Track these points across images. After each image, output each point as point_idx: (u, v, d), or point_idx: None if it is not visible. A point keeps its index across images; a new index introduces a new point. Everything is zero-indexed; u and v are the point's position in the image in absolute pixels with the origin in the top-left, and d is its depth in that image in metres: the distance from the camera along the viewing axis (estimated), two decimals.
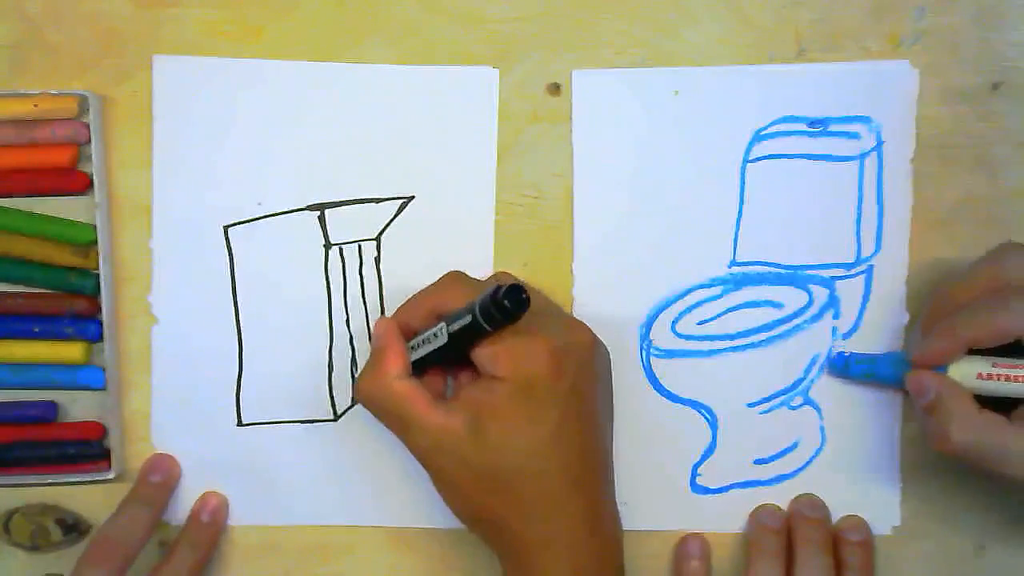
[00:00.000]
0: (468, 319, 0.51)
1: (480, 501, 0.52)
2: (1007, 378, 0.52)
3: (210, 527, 0.59)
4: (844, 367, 0.58)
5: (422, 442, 0.52)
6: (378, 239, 0.59)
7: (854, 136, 0.58)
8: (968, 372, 0.52)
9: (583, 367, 0.53)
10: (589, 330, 0.55)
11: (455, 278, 0.56)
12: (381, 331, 0.54)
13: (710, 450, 0.59)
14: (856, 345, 0.58)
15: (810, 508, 0.58)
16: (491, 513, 0.52)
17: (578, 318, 0.57)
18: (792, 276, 0.58)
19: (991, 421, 0.51)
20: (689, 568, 0.59)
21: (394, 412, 0.53)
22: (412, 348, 0.54)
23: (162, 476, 0.59)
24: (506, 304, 0.49)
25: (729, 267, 0.58)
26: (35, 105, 0.57)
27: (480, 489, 0.52)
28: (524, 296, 0.50)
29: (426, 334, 0.54)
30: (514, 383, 0.51)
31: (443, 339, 0.52)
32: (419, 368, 0.54)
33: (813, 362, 0.59)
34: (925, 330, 0.54)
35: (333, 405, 0.59)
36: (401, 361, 0.53)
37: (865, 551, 0.58)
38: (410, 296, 0.56)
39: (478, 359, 0.52)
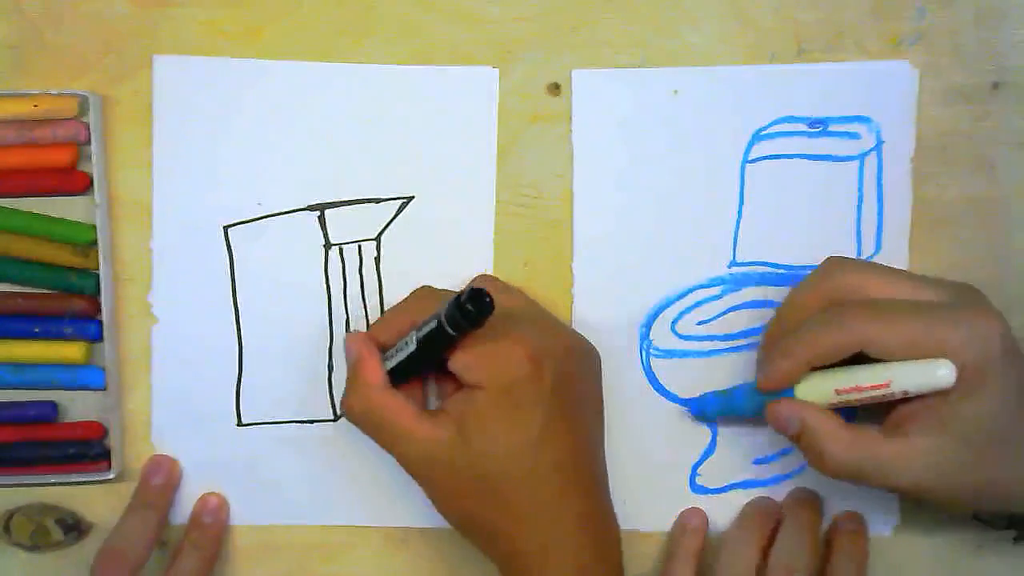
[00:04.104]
0: (434, 324, 0.51)
1: (473, 510, 0.52)
2: (857, 388, 0.51)
3: (212, 527, 0.59)
4: (701, 410, 0.57)
5: (411, 454, 0.52)
6: (378, 239, 0.59)
7: (854, 136, 0.58)
8: (820, 389, 0.52)
9: (562, 368, 0.53)
10: (572, 332, 0.55)
11: (426, 293, 0.56)
12: (353, 345, 0.55)
13: (710, 450, 0.59)
14: None
15: (801, 493, 0.58)
16: (485, 521, 0.52)
17: (568, 320, 0.58)
18: (792, 276, 0.58)
19: (861, 436, 0.50)
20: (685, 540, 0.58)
21: (381, 425, 0.53)
22: (386, 359, 0.54)
23: (163, 478, 0.59)
24: (469, 308, 0.49)
25: (729, 267, 0.58)
26: (35, 105, 0.57)
27: (472, 498, 0.52)
28: (487, 300, 0.50)
29: (398, 344, 0.54)
30: (494, 389, 0.51)
31: (412, 346, 0.53)
32: (398, 379, 0.54)
33: None
34: (766, 352, 0.54)
35: (333, 405, 0.59)
36: (379, 371, 0.53)
37: (858, 541, 0.57)
38: (383, 314, 0.57)
39: (456, 368, 0.52)
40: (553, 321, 0.56)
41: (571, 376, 0.54)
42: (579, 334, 0.56)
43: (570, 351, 0.54)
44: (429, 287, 0.57)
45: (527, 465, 0.51)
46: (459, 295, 0.50)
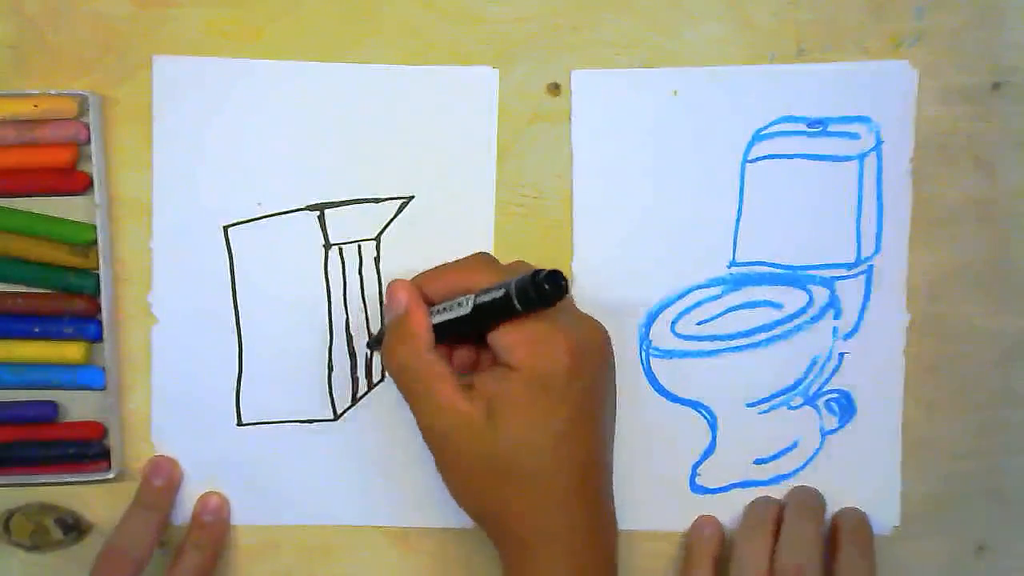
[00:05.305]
0: (500, 294, 0.51)
1: (487, 491, 0.52)
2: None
3: (214, 526, 0.59)
4: None
5: (438, 426, 0.52)
6: (378, 239, 0.59)
7: (854, 136, 0.58)
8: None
9: (598, 366, 0.53)
10: (603, 328, 0.55)
11: (485, 259, 0.56)
12: (402, 295, 0.54)
13: (710, 450, 0.59)
14: (857, 345, 0.58)
15: (802, 490, 0.58)
16: (497, 504, 0.52)
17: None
18: (792, 276, 0.58)
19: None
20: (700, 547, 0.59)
21: (420, 388, 0.52)
22: (432, 314, 0.54)
23: (164, 479, 0.58)
24: (546, 287, 0.49)
25: (729, 267, 0.58)
26: (35, 105, 0.57)
27: (488, 479, 0.52)
28: (563, 283, 0.49)
29: (448, 303, 0.53)
30: (530, 375, 0.51)
31: (467, 309, 0.52)
32: (437, 337, 0.53)
33: (813, 363, 0.59)
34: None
35: (333, 405, 0.59)
36: (427, 327, 0.53)
37: (863, 531, 0.57)
38: (433, 267, 0.56)
39: (495, 344, 0.52)
40: (585, 314, 0.56)
41: (603, 375, 0.54)
42: (606, 329, 0.55)
43: (605, 348, 0.54)
44: (488, 254, 0.56)
45: (549, 456, 0.51)
46: (536, 272, 0.49)
